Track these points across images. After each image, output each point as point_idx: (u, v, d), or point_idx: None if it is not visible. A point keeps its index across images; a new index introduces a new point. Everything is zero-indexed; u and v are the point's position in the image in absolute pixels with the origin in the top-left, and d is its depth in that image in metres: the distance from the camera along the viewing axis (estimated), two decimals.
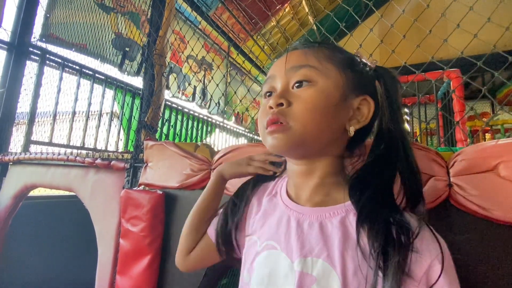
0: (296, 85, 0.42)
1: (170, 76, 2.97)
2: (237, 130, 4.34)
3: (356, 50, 0.48)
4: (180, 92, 3.19)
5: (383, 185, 0.40)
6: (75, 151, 1.44)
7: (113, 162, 1.13)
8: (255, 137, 4.71)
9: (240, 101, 3.75)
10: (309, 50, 0.44)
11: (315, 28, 4.66)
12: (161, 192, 0.94)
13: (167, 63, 1.23)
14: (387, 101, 0.43)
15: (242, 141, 4.43)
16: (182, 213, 0.93)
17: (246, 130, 4.56)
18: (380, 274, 0.33)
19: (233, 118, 4.16)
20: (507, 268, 0.49)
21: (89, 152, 1.32)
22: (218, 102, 3.83)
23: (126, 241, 0.94)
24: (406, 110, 3.23)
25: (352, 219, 0.39)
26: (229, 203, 0.54)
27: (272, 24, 4.30)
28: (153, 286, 0.90)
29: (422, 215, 0.39)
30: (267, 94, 0.47)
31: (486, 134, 3.36)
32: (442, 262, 0.34)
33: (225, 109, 3.87)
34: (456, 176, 0.56)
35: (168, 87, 2.68)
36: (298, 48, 0.45)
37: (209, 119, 3.80)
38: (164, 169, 0.96)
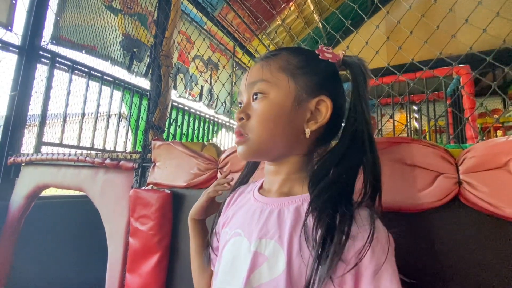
0: (254, 97, 0.46)
1: (177, 76, 2.99)
2: None
3: (344, 51, 0.49)
4: (187, 92, 3.21)
5: (339, 177, 0.42)
6: (84, 151, 1.47)
7: (121, 162, 1.15)
8: None
9: (240, 103, 3.76)
10: (265, 63, 0.47)
11: (320, 26, 4.63)
12: (169, 191, 0.95)
13: (174, 64, 1.24)
14: (353, 91, 0.44)
15: None
16: (189, 212, 0.94)
17: None
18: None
19: None
20: None
21: (98, 152, 1.34)
22: (224, 102, 3.85)
23: (135, 239, 0.96)
24: (414, 107, 3.18)
25: (305, 207, 0.42)
26: (215, 218, 0.59)
27: (277, 23, 4.29)
28: (162, 284, 0.91)
29: (372, 210, 0.41)
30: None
31: (498, 131, 3.27)
32: (370, 242, 0.36)
33: (231, 108, 3.89)
34: (466, 173, 0.55)
35: (175, 87, 2.70)
36: (257, 62, 0.49)
37: (216, 119, 3.82)
38: (172, 169, 0.97)
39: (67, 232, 1.87)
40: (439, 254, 0.55)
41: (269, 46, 4.67)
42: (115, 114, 2.38)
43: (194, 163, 0.91)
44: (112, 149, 2.27)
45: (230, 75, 3.92)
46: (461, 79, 1.98)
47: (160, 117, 1.14)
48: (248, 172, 0.61)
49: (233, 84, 4.04)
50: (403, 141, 0.63)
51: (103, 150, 2.16)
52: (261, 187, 0.52)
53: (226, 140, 4.04)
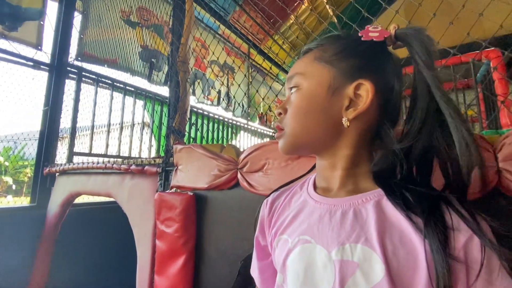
0: (291, 91, 0.46)
1: (195, 82, 3.06)
2: (262, 131, 4.35)
3: (371, 24, 0.45)
4: (205, 97, 3.27)
5: (411, 168, 0.39)
6: (112, 159, 1.54)
7: (146, 167, 1.18)
8: None
9: (263, 99, 3.74)
10: (303, 57, 0.47)
11: (335, 20, 4.53)
12: (191, 194, 0.96)
13: (190, 69, 1.27)
14: (414, 66, 0.40)
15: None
16: (212, 213, 0.94)
17: (271, 131, 4.55)
18: (427, 248, 0.34)
19: (257, 119, 4.18)
20: None
21: (125, 159, 1.40)
22: (242, 104, 3.87)
23: (162, 242, 0.98)
24: None
25: (385, 203, 0.39)
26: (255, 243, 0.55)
27: (291, 21, 4.25)
28: (189, 285, 0.92)
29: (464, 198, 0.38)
30: None
31: None
32: (479, 233, 0.33)
33: (249, 110, 3.90)
34: (506, 161, 0.50)
35: (193, 93, 2.76)
36: (297, 59, 0.49)
37: (234, 122, 3.85)
38: (193, 171, 0.98)
39: (99, 237, 1.97)
40: None
41: (282, 44, 4.65)
42: (139, 123, 2.48)
43: (215, 165, 0.92)
44: (137, 155, 2.36)
45: (245, 75, 3.94)
46: (491, 63, 1.84)
47: (180, 121, 1.17)
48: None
49: (249, 85, 4.06)
50: None
51: (129, 157, 2.26)
52: (314, 186, 0.48)
53: (245, 142, 4.06)
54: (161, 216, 1.00)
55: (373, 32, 0.43)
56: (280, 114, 0.47)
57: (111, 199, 1.47)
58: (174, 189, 1.06)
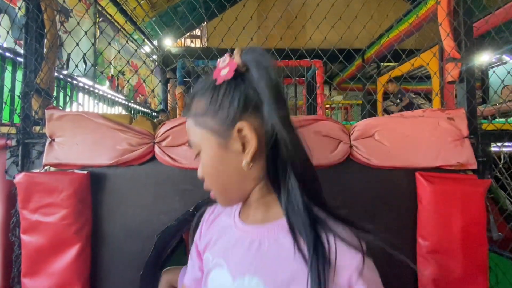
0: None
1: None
2: (112, 98, 3.71)
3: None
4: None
5: (296, 195, 0.39)
6: None
7: None
8: (135, 106, 4.19)
9: (110, 62, 3.16)
10: (188, 120, 0.45)
11: None
12: (85, 172, 0.80)
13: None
14: (260, 93, 0.40)
15: (119, 110, 3.83)
16: (117, 192, 0.84)
17: (123, 98, 3.96)
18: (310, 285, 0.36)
19: (107, 82, 3.50)
20: (382, 191, 0.85)
21: None
22: (84, 61, 3.09)
23: (36, 235, 0.76)
24: (412, 94, 3.24)
25: (284, 235, 0.40)
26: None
27: None
28: (85, 278, 0.79)
29: (355, 229, 0.41)
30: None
31: (327, 110, 4.63)
32: (361, 272, 0.37)
33: (96, 70, 3.19)
34: (354, 140, 0.86)
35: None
36: (184, 116, 0.50)
37: (72, 81, 3.03)
38: (87, 145, 0.81)
39: None
40: (341, 191, 0.85)
41: (140, 1, 4.05)
42: None
43: (122, 138, 0.81)
44: None
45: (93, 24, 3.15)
46: (316, 71, 2.66)
47: (48, 79, 0.87)
48: None
49: (96, 38, 3.28)
50: (321, 119, 0.87)
51: None
52: (240, 210, 0.49)
53: (90, 109, 3.33)
54: (33, 203, 0.76)
55: (224, 69, 0.41)
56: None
57: None
58: (47, 167, 0.82)
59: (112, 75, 3.50)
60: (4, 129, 0.85)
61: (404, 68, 2.50)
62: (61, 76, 2.83)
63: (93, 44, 1.51)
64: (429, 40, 1.72)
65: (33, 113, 0.85)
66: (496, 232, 0.85)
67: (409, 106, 3.08)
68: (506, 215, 1.02)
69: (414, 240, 0.82)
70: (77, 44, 0.89)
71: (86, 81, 3.17)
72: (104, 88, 3.43)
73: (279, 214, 0.42)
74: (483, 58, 2.88)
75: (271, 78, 0.39)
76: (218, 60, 0.43)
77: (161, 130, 0.82)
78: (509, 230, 1.02)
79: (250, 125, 0.40)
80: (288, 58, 1.22)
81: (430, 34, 1.48)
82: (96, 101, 3.41)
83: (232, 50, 0.44)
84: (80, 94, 3.22)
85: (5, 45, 2.01)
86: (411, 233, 0.82)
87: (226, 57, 0.42)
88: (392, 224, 0.84)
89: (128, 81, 3.98)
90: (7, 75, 2.19)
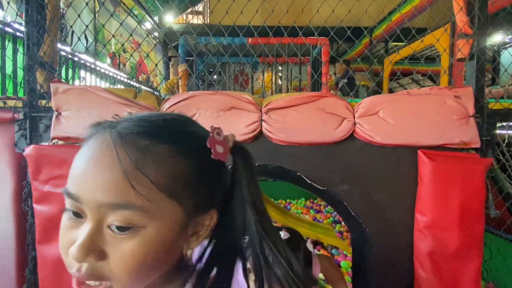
0: (114, 227, 0.27)
1: None
2: (114, 76, 3.67)
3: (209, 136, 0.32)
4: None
5: None
6: None
7: None
8: (137, 85, 4.15)
9: (113, 35, 3.07)
10: (135, 166, 0.26)
11: None
12: None
13: None
14: (241, 183, 0.34)
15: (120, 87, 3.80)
16: None
17: (125, 76, 3.92)
18: None
19: (108, 59, 3.44)
20: (383, 168, 0.86)
21: None
22: (85, 36, 3.03)
23: (48, 205, 0.79)
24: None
25: None
26: None
27: None
28: None
29: None
30: (71, 212, 0.28)
31: (332, 91, 4.57)
32: None
33: (96, 46, 3.13)
34: (358, 117, 0.85)
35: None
36: (114, 147, 0.27)
37: (74, 58, 2.99)
38: (93, 119, 0.81)
39: None
40: (342, 168, 0.86)
41: None
42: None
43: (127, 112, 0.81)
44: None
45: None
46: (322, 49, 2.59)
47: (51, 52, 0.86)
48: None
49: (96, 12, 3.19)
50: (325, 96, 0.86)
51: None
52: None
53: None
54: (42, 175, 0.78)
55: (219, 144, 0.32)
56: (84, 259, 0.26)
57: None
58: (55, 140, 0.84)
59: (113, 53, 3.43)
60: (11, 103, 0.86)
61: (413, 47, 2.43)
62: (63, 53, 2.79)
63: (94, 16, 1.47)
64: (440, 17, 1.66)
65: (39, 87, 0.85)
66: (494, 210, 0.87)
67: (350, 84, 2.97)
68: (505, 195, 1.04)
69: (412, 216, 0.84)
70: (79, 15, 0.87)
71: (87, 58, 3.12)
72: (106, 66, 3.39)
73: None
74: (496, 37, 2.78)
75: (254, 176, 0.34)
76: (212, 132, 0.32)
77: (166, 105, 0.82)
78: (505, 210, 1.04)
79: (215, 216, 0.33)
80: (294, 35, 1.19)
81: (443, 9, 1.42)
82: (98, 79, 3.38)
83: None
84: (82, 72, 3.19)
85: (8, 19, 1.97)
86: (410, 209, 0.84)
87: (221, 133, 0.33)
88: (391, 200, 0.86)
89: (128, 59, 3.91)
90: (9, 52, 2.17)
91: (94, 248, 0.26)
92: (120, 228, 0.26)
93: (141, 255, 0.27)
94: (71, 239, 0.27)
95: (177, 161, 0.28)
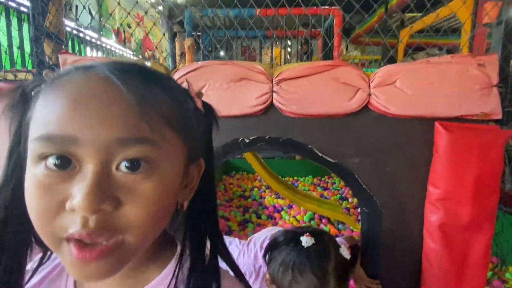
0: (128, 166, 0.24)
1: None
2: (120, 52, 3.62)
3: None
4: None
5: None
6: None
7: (1, 85, 0.82)
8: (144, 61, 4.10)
9: (118, 3, 2.97)
10: (140, 101, 0.24)
11: None
12: None
13: None
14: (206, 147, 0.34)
15: None
16: None
17: (130, 52, 3.86)
18: None
19: (113, 36, 3.38)
20: (397, 140, 0.84)
21: None
22: (89, 11, 2.95)
23: None
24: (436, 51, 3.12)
25: None
26: None
27: None
28: None
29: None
30: (52, 158, 0.23)
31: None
32: None
33: (101, 22, 3.06)
34: (374, 87, 0.82)
35: None
36: (118, 86, 0.23)
37: (78, 34, 2.94)
38: None
39: None
40: (354, 140, 0.85)
41: None
42: None
43: None
44: None
45: None
46: (335, 19, 2.45)
47: (57, 22, 0.84)
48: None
49: None
50: (340, 65, 0.83)
51: None
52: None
53: None
54: None
55: (196, 97, 0.32)
56: (99, 208, 0.22)
57: None
58: None
59: (118, 28, 3.36)
60: (21, 75, 0.85)
61: (430, 19, 2.27)
62: (68, 29, 2.74)
63: None
64: None
65: (47, 59, 0.85)
66: (510, 183, 0.85)
67: None
68: None
69: (424, 188, 0.83)
70: None
71: (92, 34, 3.07)
72: (111, 42, 3.34)
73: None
74: None
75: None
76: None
77: (175, 75, 0.81)
78: None
79: (203, 165, 0.32)
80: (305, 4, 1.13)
81: None
82: (104, 56, 3.34)
83: None
84: (88, 50, 3.15)
85: None
86: (422, 181, 0.83)
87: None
88: (403, 173, 0.85)
89: (132, 34, 3.83)
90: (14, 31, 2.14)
91: (108, 193, 0.22)
92: (132, 167, 0.23)
93: (159, 197, 0.25)
94: (60, 196, 0.22)
95: (171, 103, 0.27)
